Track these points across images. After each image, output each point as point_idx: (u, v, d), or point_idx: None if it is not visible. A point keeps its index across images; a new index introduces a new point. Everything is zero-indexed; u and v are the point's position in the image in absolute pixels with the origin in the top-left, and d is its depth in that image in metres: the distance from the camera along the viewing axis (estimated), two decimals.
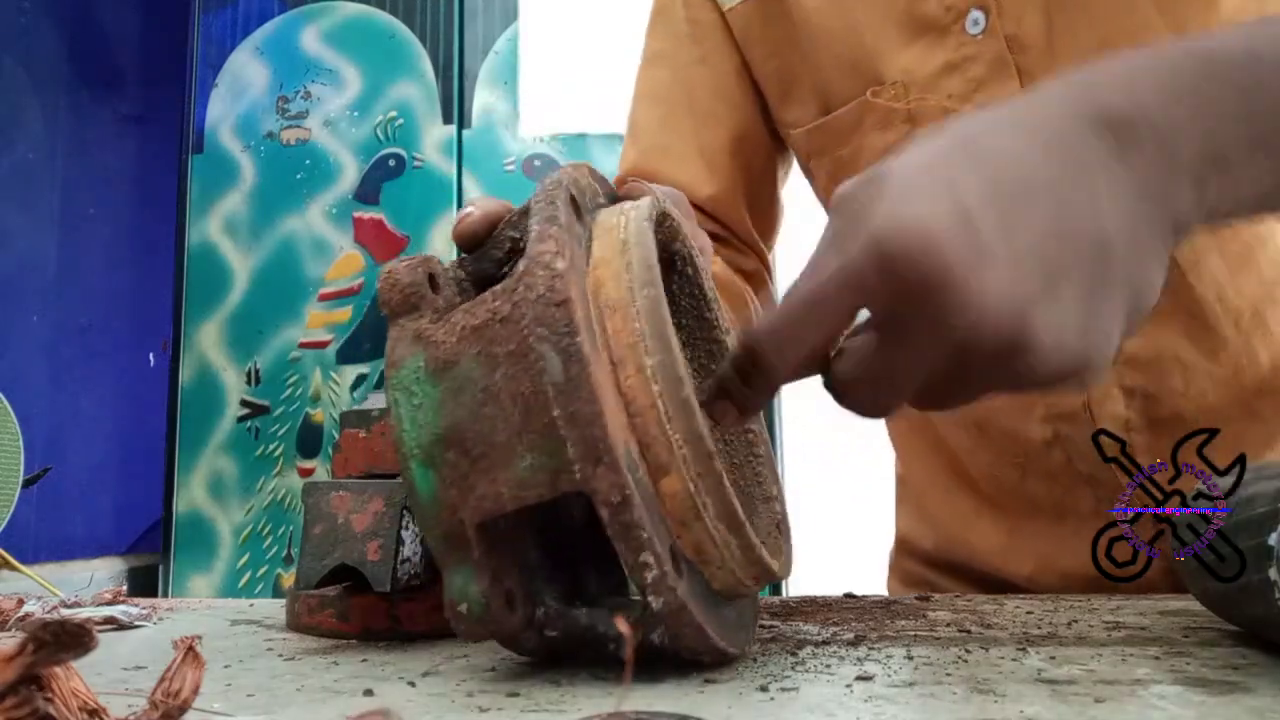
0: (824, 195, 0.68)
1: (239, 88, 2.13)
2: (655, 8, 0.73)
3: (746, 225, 0.72)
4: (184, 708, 0.24)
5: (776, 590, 1.82)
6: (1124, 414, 0.57)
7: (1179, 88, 0.33)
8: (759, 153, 0.71)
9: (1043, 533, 0.62)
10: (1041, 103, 0.33)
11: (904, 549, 0.74)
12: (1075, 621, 0.44)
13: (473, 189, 1.99)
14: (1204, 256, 0.56)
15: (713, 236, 0.69)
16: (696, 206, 0.67)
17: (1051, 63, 0.54)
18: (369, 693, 0.33)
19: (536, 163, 1.98)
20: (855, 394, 0.33)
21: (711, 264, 0.48)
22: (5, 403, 0.66)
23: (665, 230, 0.40)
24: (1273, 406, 0.58)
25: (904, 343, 0.31)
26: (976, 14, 0.54)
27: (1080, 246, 0.30)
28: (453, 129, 2.02)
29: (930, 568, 0.70)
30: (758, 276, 0.73)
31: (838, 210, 0.32)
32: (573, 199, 0.34)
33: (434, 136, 2.02)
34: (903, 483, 0.75)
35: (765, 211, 0.73)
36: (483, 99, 2.02)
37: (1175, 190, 0.32)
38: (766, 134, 0.71)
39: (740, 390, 0.34)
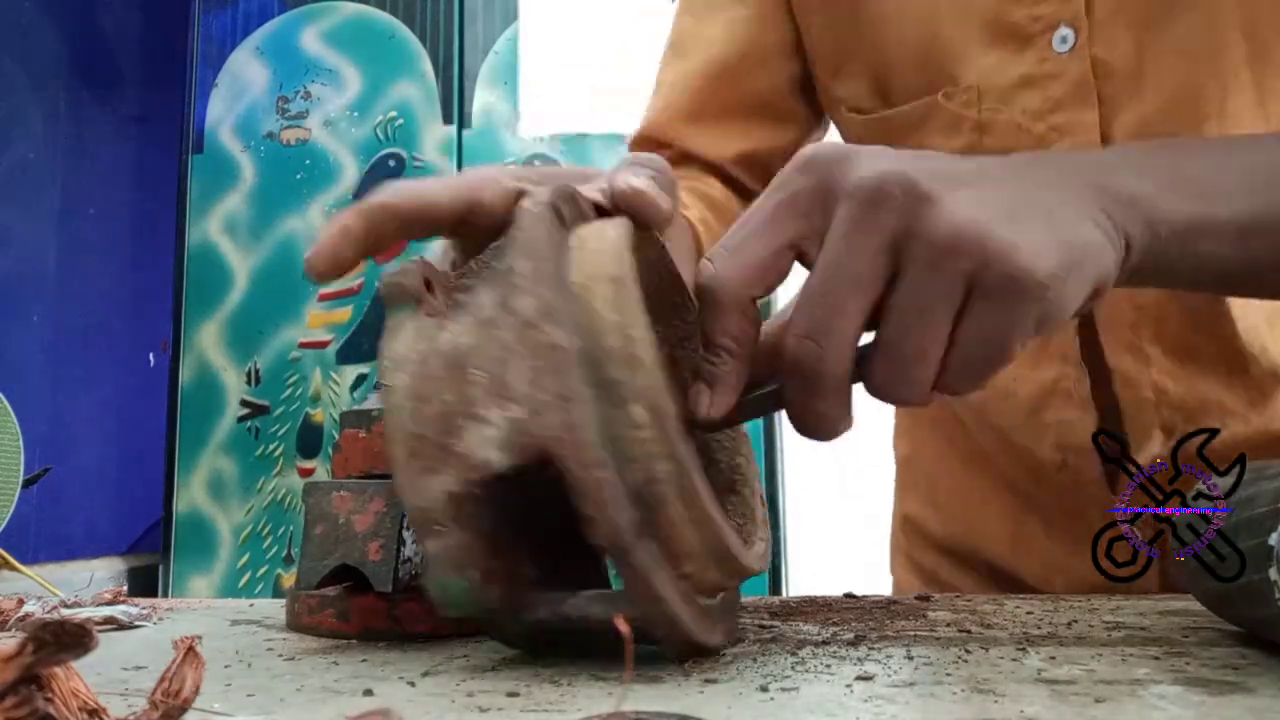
0: None
1: (239, 88, 2.13)
2: None
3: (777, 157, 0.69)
4: (184, 707, 0.24)
5: (776, 590, 1.82)
6: (1162, 453, 0.56)
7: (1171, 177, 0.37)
8: (789, 120, 0.69)
9: (1051, 533, 0.62)
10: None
11: (910, 531, 0.73)
12: (1075, 622, 0.45)
13: None
14: (1248, 311, 0.55)
15: (739, 194, 0.68)
16: (715, 169, 0.67)
17: (1137, 90, 0.52)
18: (369, 693, 0.33)
19: (537, 163, 1.98)
20: (887, 374, 0.33)
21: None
22: (5, 402, 0.66)
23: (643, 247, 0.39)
24: None
25: (905, 286, 0.32)
26: (1066, 31, 0.52)
27: (1036, 208, 0.33)
28: (452, 129, 2.02)
29: (937, 552, 0.70)
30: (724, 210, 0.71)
31: (804, 167, 0.34)
32: (557, 210, 0.34)
33: (434, 137, 2.02)
34: (908, 464, 0.74)
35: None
36: (483, 99, 2.02)
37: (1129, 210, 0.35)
38: (802, 105, 0.68)
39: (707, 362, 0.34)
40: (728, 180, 0.69)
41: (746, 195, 0.70)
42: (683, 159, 0.68)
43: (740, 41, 0.67)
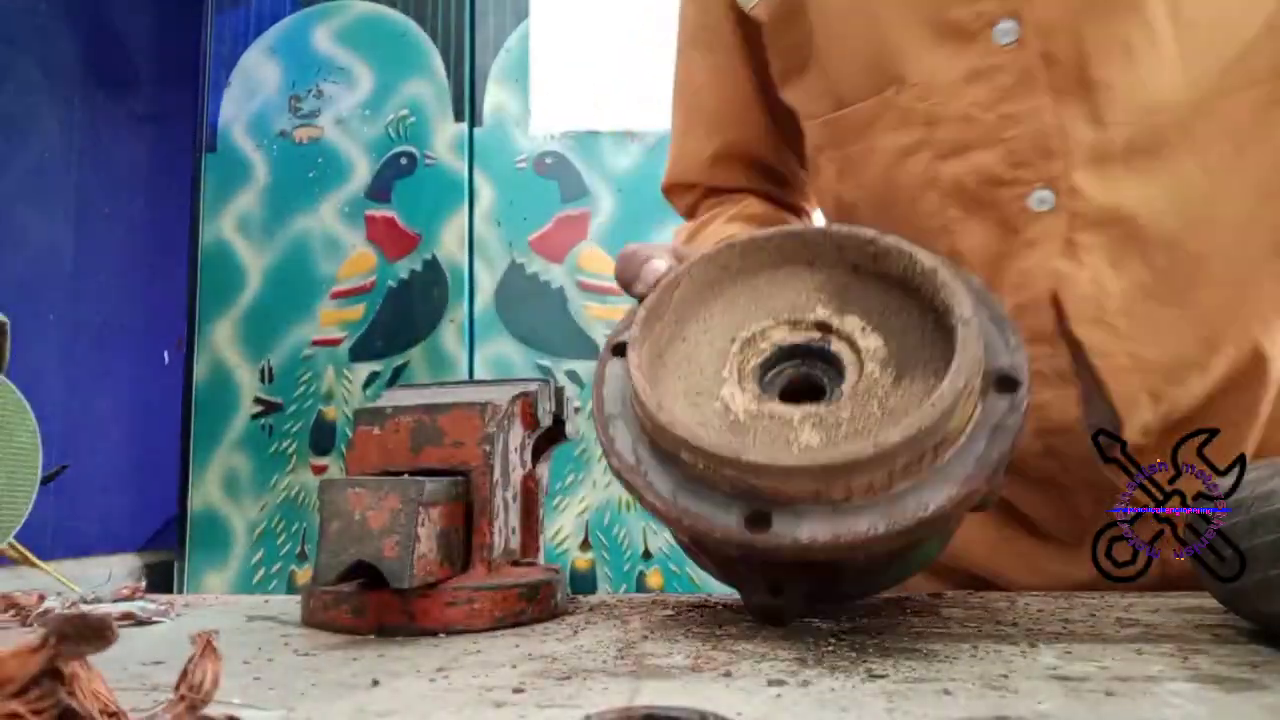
0: (828, 192, 0.68)
1: (251, 87, 2.14)
2: (680, 11, 0.76)
3: (786, 169, 0.75)
4: (206, 700, 0.24)
5: None
6: (1152, 420, 0.56)
7: None
8: (780, 159, 0.75)
9: (1038, 537, 0.61)
10: None
11: None
12: (1088, 618, 0.44)
13: (484, 187, 1.99)
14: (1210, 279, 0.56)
15: (750, 191, 0.74)
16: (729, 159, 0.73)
17: (1083, 76, 0.53)
18: (376, 683, 0.33)
19: (548, 160, 1.98)
20: None
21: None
22: (23, 400, 0.67)
23: None
24: None
25: None
26: (1007, 24, 0.53)
27: None
28: (464, 127, 2.02)
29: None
30: (807, 213, 0.77)
31: None
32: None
33: (445, 134, 2.02)
34: None
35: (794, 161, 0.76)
36: (494, 97, 2.02)
37: None
38: (784, 147, 0.75)
39: None
40: (765, 196, 0.75)
41: (783, 204, 0.76)
42: (714, 193, 0.75)
43: (716, 96, 0.73)
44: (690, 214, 0.78)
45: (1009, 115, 0.54)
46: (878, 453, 0.35)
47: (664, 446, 0.39)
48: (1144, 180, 0.53)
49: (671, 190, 0.79)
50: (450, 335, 1.94)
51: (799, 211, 0.77)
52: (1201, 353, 0.55)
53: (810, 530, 0.36)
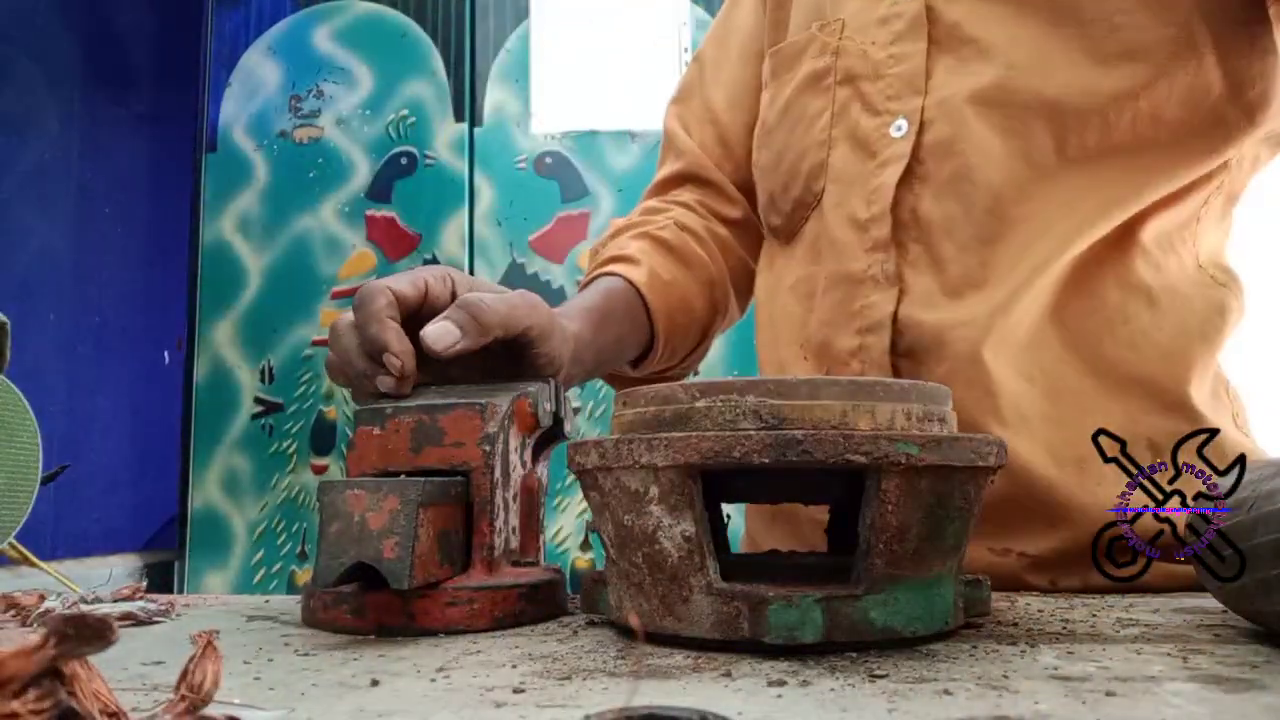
0: (768, 120, 0.76)
1: (252, 87, 2.14)
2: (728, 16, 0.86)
3: (737, 176, 0.82)
4: (206, 700, 0.24)
5: None
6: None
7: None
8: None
9: None
10: None
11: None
12: (1088, 618, 0.44)
13: (485, 187, 2.00)
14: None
15: (697, 183, 0.83)
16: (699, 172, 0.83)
17: (956, 30, 0.64)
18: (375, 683, 0.33)
19: (548, 160, 1.98)
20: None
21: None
22: (24, 400, 0.67)
23: None
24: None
25: None
26: None
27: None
28: (464, 126, 2.02)
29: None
30: (744, 224, 0.83)
31: None
32: None
33: (445, 134, 2.02)
34: None
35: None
36: (494, 97, 2.02)
37: None
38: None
39: None
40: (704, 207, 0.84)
41: (702, 183, 0.84)
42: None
43: (728, 41, 0.84)
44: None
45: (894, 55, 0.66)
46: None
47: None
48: (985, 126, 0.62)
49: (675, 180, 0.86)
50: None
51: (727, 222, 0.83)
52: (1023, 275, 0.61)
53: None
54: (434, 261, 1.97)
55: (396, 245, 2.01)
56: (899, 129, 0.64)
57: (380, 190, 2.04)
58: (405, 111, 2.05)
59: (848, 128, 0.67)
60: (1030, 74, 0.61)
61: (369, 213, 2.04)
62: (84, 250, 2.23)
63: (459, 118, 2.02)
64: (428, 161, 2.02)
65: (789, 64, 0.74)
